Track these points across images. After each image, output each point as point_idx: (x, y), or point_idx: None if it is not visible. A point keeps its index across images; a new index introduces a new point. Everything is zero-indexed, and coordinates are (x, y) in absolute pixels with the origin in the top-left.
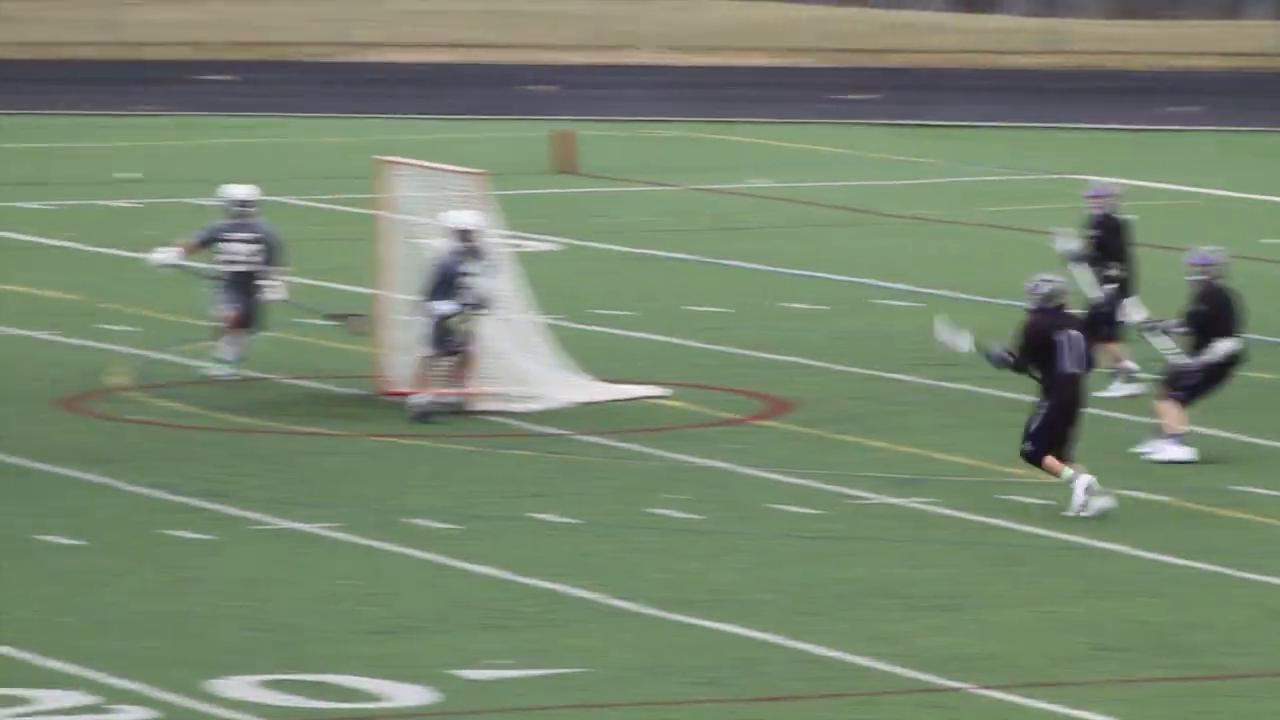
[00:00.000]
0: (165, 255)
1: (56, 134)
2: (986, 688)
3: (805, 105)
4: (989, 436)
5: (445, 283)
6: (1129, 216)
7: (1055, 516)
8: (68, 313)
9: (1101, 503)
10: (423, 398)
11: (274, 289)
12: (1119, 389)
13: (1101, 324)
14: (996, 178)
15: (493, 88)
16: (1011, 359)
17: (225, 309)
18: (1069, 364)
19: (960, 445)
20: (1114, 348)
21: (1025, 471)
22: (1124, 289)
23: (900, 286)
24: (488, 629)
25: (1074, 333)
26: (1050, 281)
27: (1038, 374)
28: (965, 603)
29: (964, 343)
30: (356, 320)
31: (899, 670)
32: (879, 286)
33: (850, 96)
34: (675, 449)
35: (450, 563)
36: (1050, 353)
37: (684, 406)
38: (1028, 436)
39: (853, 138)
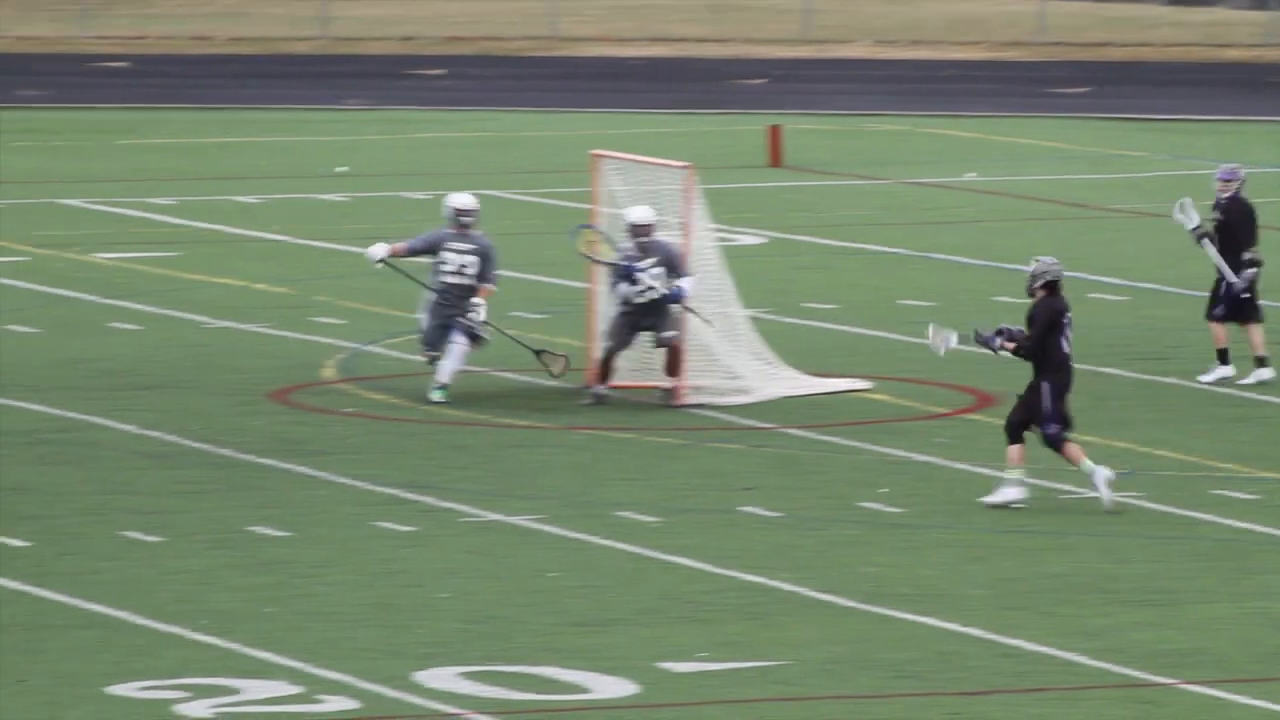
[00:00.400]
0: (383, 250)
1: (268, 128)
2: (1193, 683)
3: (1019, 99)
4: (1201, 431)
5: (620, 275)
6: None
7: (1266, 511)
8: (278, 305)
9: (1108, 494)
10: (599, 387)
11: (478, 309)
12: (1255, 376)
13: (1241, 308)
14: (1212, 172)
15: (704, 82)
16: (1012, 343)
17: (428, 351)
18: (1068, 344)
19: (1172, 440)
20: (1256, 331)
21: (1238, 466)
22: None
23: (1113, 280)
24: (691, 622)
25: (1070, 314)
26: (1039, 261)
27: (1020, 355)
28: (1173, 597)
29: (952, 339)
30: (555, 360)
31: (1104, 665)
32: (1091, 280)
33: (1065, 90)
34: (882, 443)
35: (654, 555)
36: (1054, 334)
37: (890, 400)
38: (1048, 420)
39: (1067, 132)
